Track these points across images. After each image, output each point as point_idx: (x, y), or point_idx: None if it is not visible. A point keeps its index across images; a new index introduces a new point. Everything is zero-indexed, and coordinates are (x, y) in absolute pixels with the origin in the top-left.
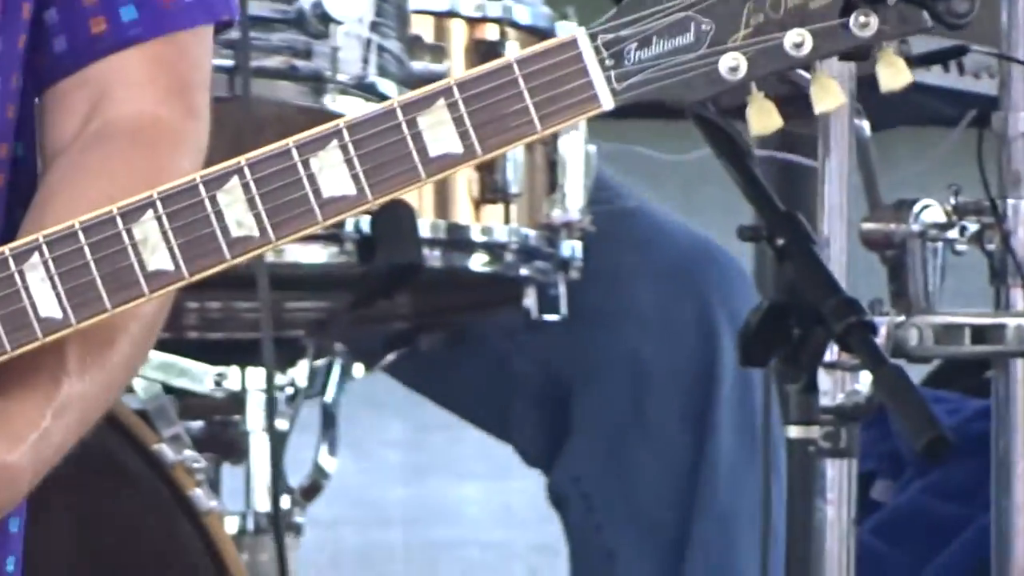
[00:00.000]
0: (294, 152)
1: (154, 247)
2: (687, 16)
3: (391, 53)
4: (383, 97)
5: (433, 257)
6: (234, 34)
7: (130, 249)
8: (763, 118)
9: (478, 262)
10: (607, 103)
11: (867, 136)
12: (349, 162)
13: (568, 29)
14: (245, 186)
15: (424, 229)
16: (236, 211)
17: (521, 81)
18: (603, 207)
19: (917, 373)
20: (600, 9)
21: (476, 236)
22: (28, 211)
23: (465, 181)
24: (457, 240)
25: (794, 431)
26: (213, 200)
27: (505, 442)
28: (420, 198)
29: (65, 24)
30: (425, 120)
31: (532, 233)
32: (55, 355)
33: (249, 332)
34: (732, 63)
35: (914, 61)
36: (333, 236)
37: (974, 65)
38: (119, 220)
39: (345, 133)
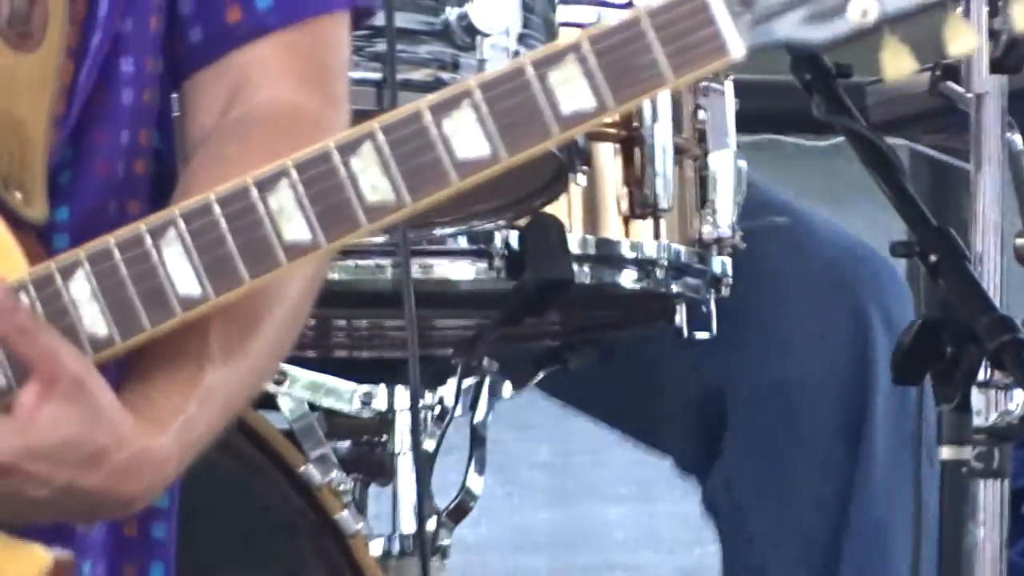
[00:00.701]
0: (427, 114)
1: (290, 216)
2: None
3: None
4: None
5: (583, 273)
6: (381, 47)
7: (266, 219)
8: (897, 61)
9: (628, 278)
10: (737, 51)
11: (1020, 149)
12: (482, 122)
13: None
14: (379, 150)
15: (574, 245)
16: (371, 176)
17: (650, 33)
18: (755, 223)
19: None
20: None
21: (626, 252)
22: (170, 201)
23: (614, 196)
24: (607, 256)
25: (947, 451)
26: (347, 166)
27: (658, 451)
28: (569, 213)
29: (200, 14)
30: (556, 76)
31: (683, 249)
32: (198, 340)
33: (396, 351)
34: (863, 5)
35: None
36: (481, 252)
37: None
38: (254, 190)
39: (477, 92)
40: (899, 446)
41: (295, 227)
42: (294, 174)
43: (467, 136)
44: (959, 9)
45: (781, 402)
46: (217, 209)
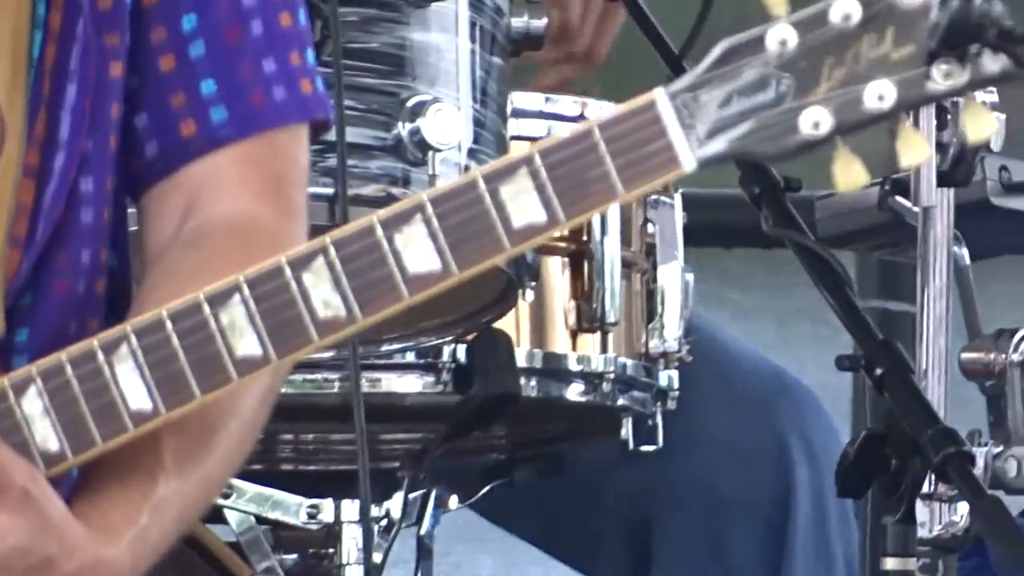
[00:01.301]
0: (378, 229)
1: (242, 332)
2: (766, 72)
3: None
4: None
5: (530, 387)
6: (332, 161)
7: (217, 335)
8: (849, 174)
9: (575, 392)
10: (688, 164)
11: (966, 264)
12: (433, 236)
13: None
14: (330, 265)
15: (521, 359)
16: (322, 291)
17: (602, 145)
18: (690, 338)
19: (1016, 505)
20: (631, 90)
21: (573, 365)
22: (127, 315)
23: (562, 310)
24: (554, 369)
25: (891, 563)
26: (299, 281)
27: None
28: (517, 327)
29: (155, 128)
30: (507, 190)
31: (629, 362)
32: (152, 452)
33: (344, 464)
34: (814, 118)
35: (1017, 188)
36: (429, 366)
37: None
38: (205, 306)
39: (428, 207)
40: (822, 567)
41: (247, 343)
42: (246, 290)
43: (418, 251)
44: (909, 121)
45: (705, 531)
46: (169, 325)
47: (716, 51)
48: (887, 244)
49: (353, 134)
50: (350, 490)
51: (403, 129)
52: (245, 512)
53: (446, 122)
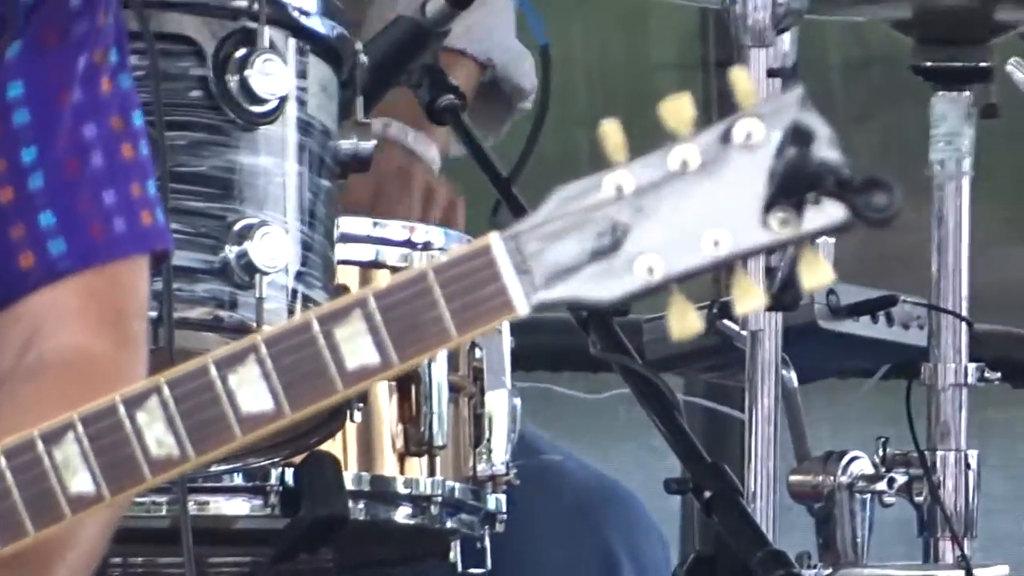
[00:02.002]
0: (212, 369)
1: (75, 469)
2: (602, 216)
3: (316, 304)
4: None
5: (357, 510)
6: (157, 285)
7: (51, 472)
8: (683, 321)
9: (403, 514)
10: (522, 309)
11: (794, 387)
12: (267, 377)
13: (429, 233)
14: (164, 405)
15: (349, 481)
16: (156, 430)
17: (436, 289)
18: (524, 461)
19: None
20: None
21: (401, 489)
22: None
23: (390, 433)
24: (382, 492)
25: None
26: (132, 420)
27: None
28: (344, 450)
29: None
30: (342, 332)
31: (457, 486)
32: None
33: None
34: (649, 263)
35: (844, 311)
36: (258, 488)
37: (904, 316)
38: (39, 443)
39: (262, 348)
40: None
41: (80, 480)
42: (80, 427)
43: (252, 391)
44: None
45: None
46: (3, 461)
47: (553, 195)
48: (715, 367)
49: (180, 257)
50: None
51: (230, 252)
52: None
53: (273, 245)
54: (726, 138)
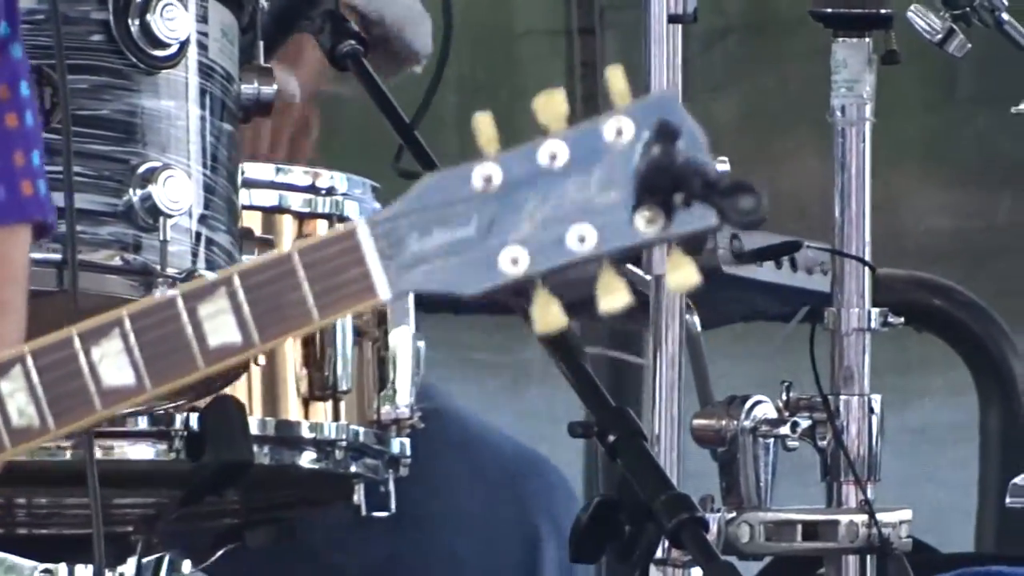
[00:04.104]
0: (76, 341)
1: None
2: (469, 207)
3: (220, 246)
4: None
5: (262, 454)
6: (61, 227)
7: None
8: (546, 316)
9: (307, 459)
10: (384, 294)
11: (698, 332)
12: (129, 351)
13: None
14: (27, 375)
15: (253, 426)
16: (18, 400)
17: (300, 271)
18: (422, 405)
19: (749, 570)
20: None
21: (305, 433)
22: None
23: (294, 378)
24: (286, 437)
25: None
26: None
27: None
28: (249, 395)
29: None
30: (205, 309)
31: (361, 430)
32: None
33: (78, 528)
34: (513, 255)
35: (748, 256)
36: (162, 433)
37: (807, 261)
38: None
39: (127, 322)
40: None
41: None
42: None
43: (114, 364)
44: (611, 266)
45: None
46: None
47: (422, 183)
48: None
49: (84, 200)
50: (84, 555)
51: (134, 195)
52: None
53: (177, 188)
54: (596, 135)
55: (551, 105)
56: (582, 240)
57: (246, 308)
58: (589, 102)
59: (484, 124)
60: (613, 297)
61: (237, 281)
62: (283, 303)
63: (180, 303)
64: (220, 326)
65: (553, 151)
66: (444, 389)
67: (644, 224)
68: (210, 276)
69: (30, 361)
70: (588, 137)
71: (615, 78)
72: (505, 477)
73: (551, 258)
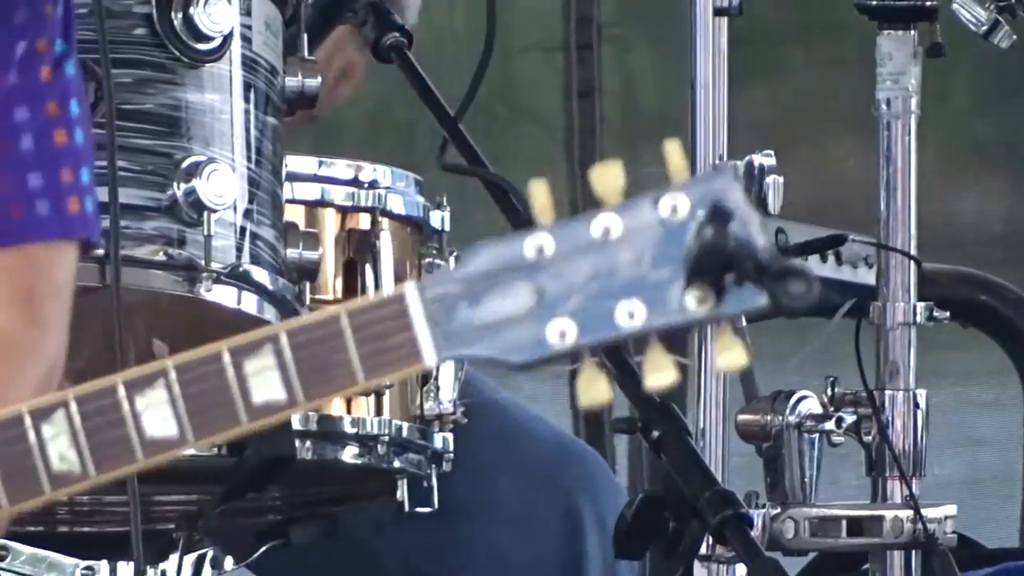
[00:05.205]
0: (120, 389)
1: None
2: (519, 276)
3: (265, 241)
4: (257, 285)
5: (305, 449)
6: (105, 222)
7: None
8: (591, 390)
9: (350, 454)
10: (430, 361)
11: (743, 327)
12: (173, 403)
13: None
14: (70, 420)
15: (296, 421)
16: (59, 444)
17: (348, 332)
18: (464, 400)
19: (794, 566)
20: (472, 198)
21: (348, 428)
22: None
23: None
24: (329, 432)
25: None
26: (38, 432)
27: None
28: None
29: None
30: (251, 365)
31: (404, 425)
32: None
33: (118, 525)
34: (561, 328)
35: (793, 250)
36: None
37: (852, 255)
38: None
39: (172, 373)
40: None
41: None
42: None
43: (157, 415)
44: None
45: None
46: None
47: (473, 253)
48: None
49: (128, 195)
50: (126, 552)
51: (178, 190)
52: (20, 574)
53: (221, 182)
54: (651, 211)
55: (607, 177)
56: (631, 316)
57: (292, 367)
58: (586, 122)
59: (539, 192)
60: (661, 375)
61: (284, 339)
62: (329, 363)
63: (227, 357)
64: (265, 383)
65: (607, 224)
66: (487, 381)
67: (694, 303)
68: (257, 334)
69: (73, 407)
70: (643, 212)
71: (673, 153)
72: (546, 466)
73: (599, 332)
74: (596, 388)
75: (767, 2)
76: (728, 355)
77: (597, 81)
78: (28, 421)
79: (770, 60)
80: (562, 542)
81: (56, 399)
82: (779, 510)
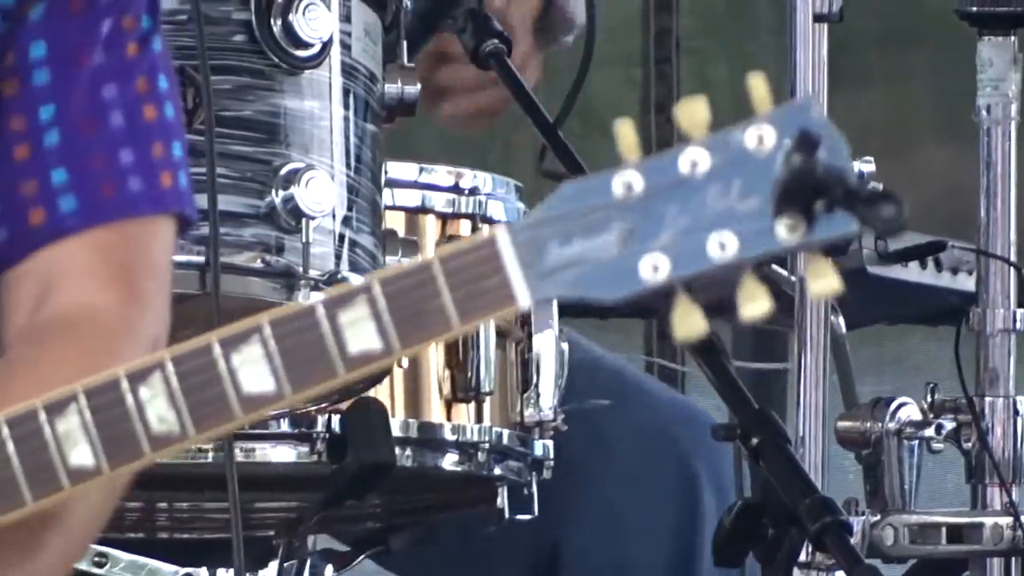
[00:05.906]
0: (216, 347)
1: (76, 441)
2: (609, 215)
3: (364, 248)
4: None
5: (404, 456)
6: (204, 229)
7: (52, 443)
8: (686, 323)
9: (450, 461)
10: (524, 302)
11: (843, 333)
12: (269, 358)
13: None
14: (167, 381)
15: (395, 428)
16: (157, 406)
17: (440, 278)
18: (582, 360)
19: (893, 573)
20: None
21: (448, 435)
22: None
23: (436, 379)
24: (429, 439)
25: None
26: (135, 394)
27: None
28: (392, 396)
29: (5, 215)
30: (345, 316)
31: (505, 432)
32: None
33: (218, 532)
34: (654, 263)
35: (893, 257)
36: (304, 435)
37: (952, 261)
38: (42, 413)
39: (267, 328)
40: None
41: (80, 452)
42: (83, 399)
43: (254, 371)
44: (752, 272)
45: (612, 556)
46: (5, 431)
47: (561, 191)
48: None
49: (226, 202)
50: (225, 559)
51: (276, 197)
52: None
53: (320, 189)
54: (738, 142)
55: (692, 112)
56: (723, 247)
57: (386, 315)
58: (663, 136)
59: (625, 130)
60: (755, 304)
61: (378, 288)
62: (423, 310)
63: (321, 310)
64: (360, 333)
65: (694, 159)
66: (591, 344)
67: (785, 231)
68: (351, 283)
69: (170, 367)
70: (729, 144)
71: (757, 85)
72: (663, 426)
73: (692, 265)
74: (691, 321)
75: (850, 10)
76: (821, 281)
77: (675, 95)
78: (125, 384)
79: (854, 68)
80: (679, 502)
81: (152, 361)
82: (879, 517)
